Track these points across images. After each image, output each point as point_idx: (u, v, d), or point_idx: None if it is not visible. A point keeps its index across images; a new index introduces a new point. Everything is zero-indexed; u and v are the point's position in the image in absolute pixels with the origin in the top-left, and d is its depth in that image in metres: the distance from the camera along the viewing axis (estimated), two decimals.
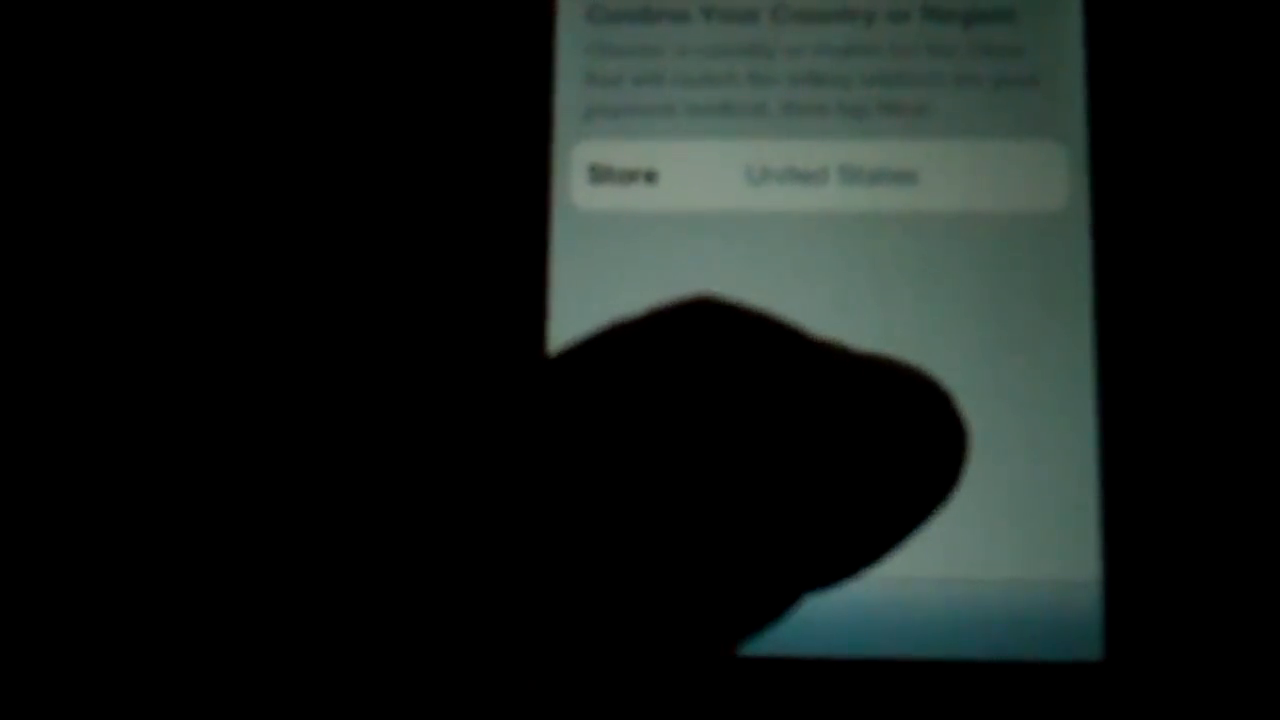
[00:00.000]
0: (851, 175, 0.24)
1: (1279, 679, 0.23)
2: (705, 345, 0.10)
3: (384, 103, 0.25)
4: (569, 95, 0.25)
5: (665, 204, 0.24)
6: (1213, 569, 0.23)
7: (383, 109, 0.25)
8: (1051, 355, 0.23)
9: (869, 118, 0.24)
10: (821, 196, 0.24)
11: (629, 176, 0.25)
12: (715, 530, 0.09)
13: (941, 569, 0.23)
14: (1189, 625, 0.23)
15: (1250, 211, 0.24)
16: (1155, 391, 0.23)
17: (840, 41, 0.25)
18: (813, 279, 0.24)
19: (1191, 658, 0.23)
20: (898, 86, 0.24)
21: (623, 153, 0.25)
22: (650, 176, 0.25)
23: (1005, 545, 0.23)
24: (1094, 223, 0.24)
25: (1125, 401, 0.23)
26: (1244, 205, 0.24)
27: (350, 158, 0.25)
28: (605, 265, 0.24)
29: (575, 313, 0.24)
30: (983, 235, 0.24)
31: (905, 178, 0.24)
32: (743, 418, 0.09)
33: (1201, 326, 0.24)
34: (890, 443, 0.10)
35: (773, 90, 0.25)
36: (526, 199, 0.25)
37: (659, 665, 0.09)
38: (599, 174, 0.25)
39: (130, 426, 0.24)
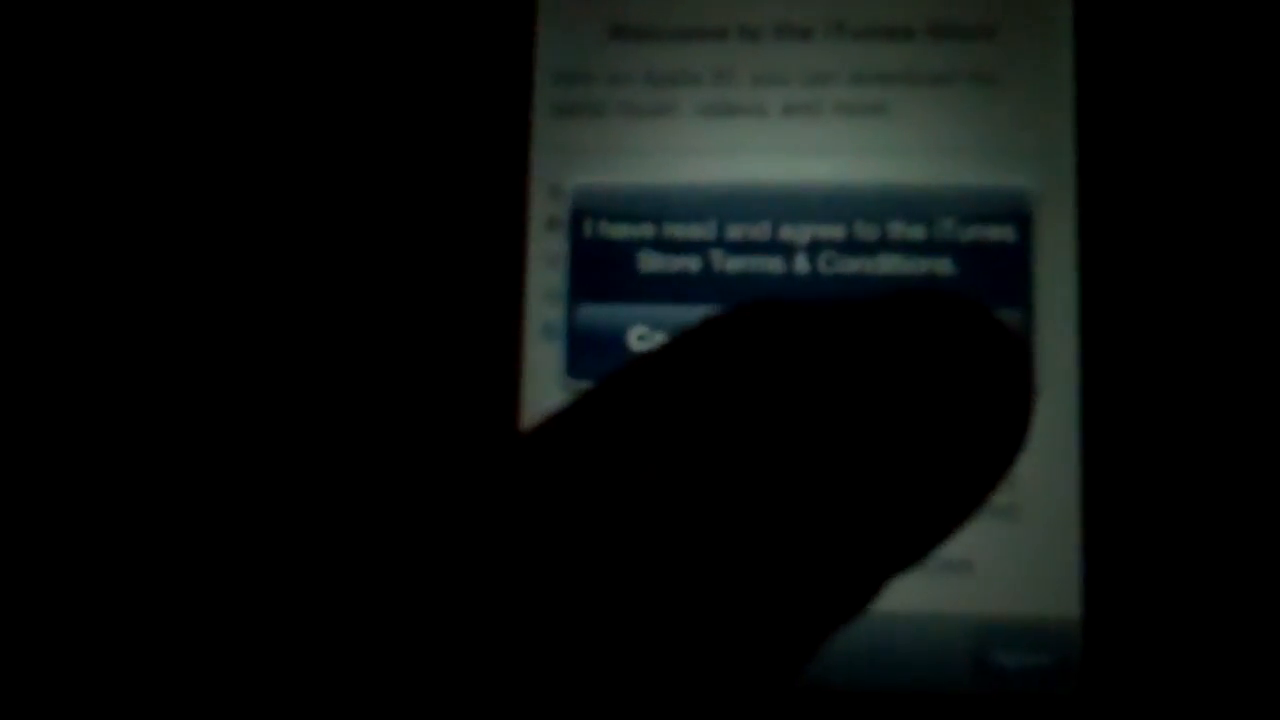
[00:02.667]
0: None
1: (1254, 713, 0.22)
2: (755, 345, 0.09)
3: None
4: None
5: None
6: (1192, 604, 0.23)
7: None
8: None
9: None
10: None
11: None
12: (796, 527, 0.09)
13: (920, 603, 0.23)
14: (1166, 660, 0.22)
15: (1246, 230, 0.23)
16: (1138, 423, 0.23)
17: None
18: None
19: (1167, 693, 0.22)
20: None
21: None
22: None
23: (985, 581, 0.23)
24: (1080, 249, 0.23)
25: (1108, 434, 0.23)
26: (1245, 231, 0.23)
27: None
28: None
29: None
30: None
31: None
32: (800, 411, 0.09)
33: (1184, 360, 0.23)
34: (952, 404, 0.09)
35: None
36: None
37: (736, 681, 0.09)
38: None
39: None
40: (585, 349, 0.24)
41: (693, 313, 0.23)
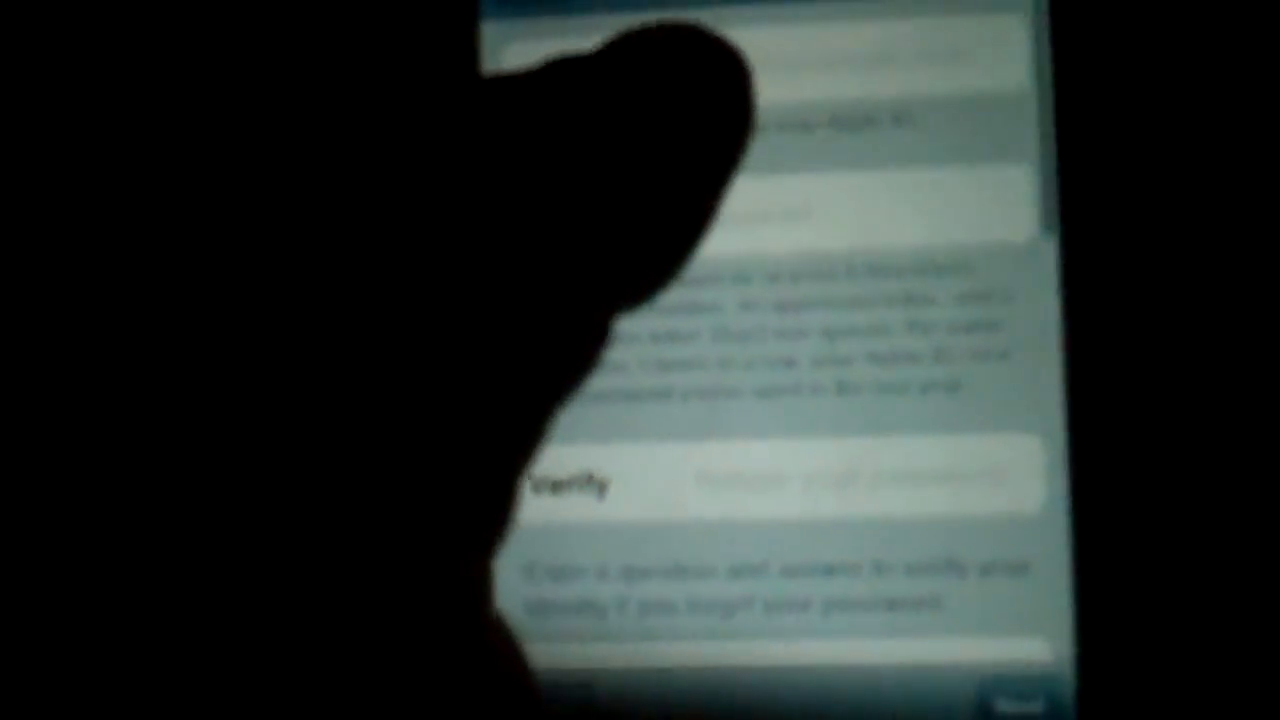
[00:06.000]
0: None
1: None
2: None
3: None
4: None
5: None
6: (1186, 643, 0.22)
7: None
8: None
9: None
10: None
11: None
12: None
13: (910, 653, 0.22)
14: (1160, 700, 0.22)
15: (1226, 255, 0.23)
16: (1128, 462, 0.23)
17: None
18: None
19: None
20: None
21: None
22: None
23: (980, 624, 0.22)
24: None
25: (1098, 474, 0.22)
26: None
27: None
28: None
29: None
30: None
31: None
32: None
33: (1171, 389, 0.23)
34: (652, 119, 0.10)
35: None
36: None
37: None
38: None
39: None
40: None
41: None
